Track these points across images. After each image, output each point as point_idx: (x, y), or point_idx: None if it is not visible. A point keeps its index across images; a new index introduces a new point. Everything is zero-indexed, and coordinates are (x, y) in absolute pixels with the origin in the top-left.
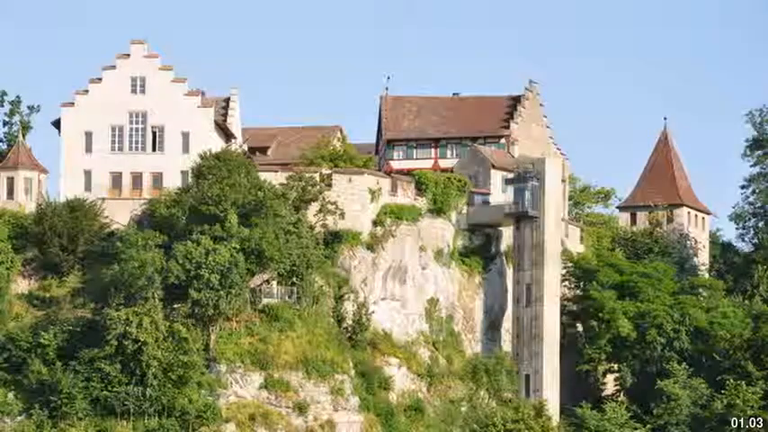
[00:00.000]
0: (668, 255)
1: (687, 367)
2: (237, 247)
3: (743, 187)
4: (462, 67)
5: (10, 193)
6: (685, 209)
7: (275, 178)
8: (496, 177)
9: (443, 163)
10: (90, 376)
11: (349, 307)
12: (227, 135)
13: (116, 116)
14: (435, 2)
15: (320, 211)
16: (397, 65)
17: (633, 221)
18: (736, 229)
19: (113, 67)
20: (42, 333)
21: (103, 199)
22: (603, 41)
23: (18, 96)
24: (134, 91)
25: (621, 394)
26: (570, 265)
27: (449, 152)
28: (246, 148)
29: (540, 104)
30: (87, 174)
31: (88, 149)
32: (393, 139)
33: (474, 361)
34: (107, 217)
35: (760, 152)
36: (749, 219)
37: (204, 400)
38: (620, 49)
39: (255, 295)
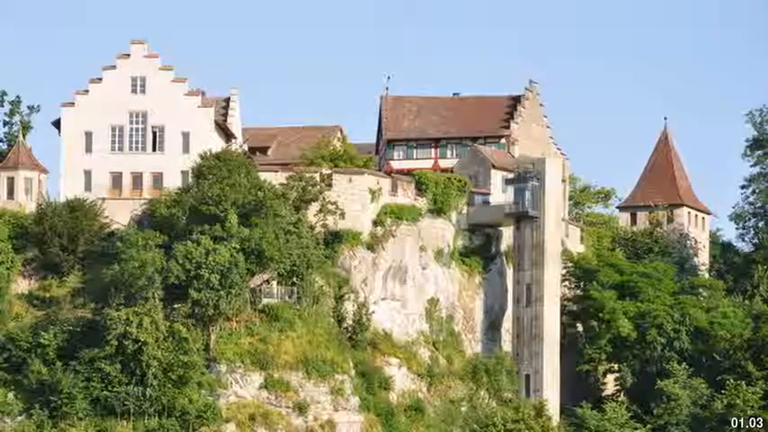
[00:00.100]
0: (668, 255)
1: (687, 367)
2: (237, 247)
3: (743, 187)
4: (462, 67)
5: (10, 193)
6: (685, 209)
7: (275, 178)
8: (497, 177)
9: (443, 163)
10: (90, 376)
11: (349, 307)
12: (227, 135)
13: (116, 116)
14: (435, 2)
15: (320, 211)
16: (397, 65)
17: (633, 221)
18: (737, 229)
19: (113, 67)
20: (42, 333)
21: (104, 199)
22: (603, 41)
23: (18, 96)
24: (134, 91)
25: (622, 394)
26: (570, 265)
27: (449, 152)
28: (247, 148)
29: (541, 104)
30: (87, 174)
31: (88, 149)
32: (393, 139)
33: (474, 361)
34: (107, 217)
35: (760, 152)
36: (749, 219)
37: (204, 400)
38: (620, 49)
39: (255, 295)
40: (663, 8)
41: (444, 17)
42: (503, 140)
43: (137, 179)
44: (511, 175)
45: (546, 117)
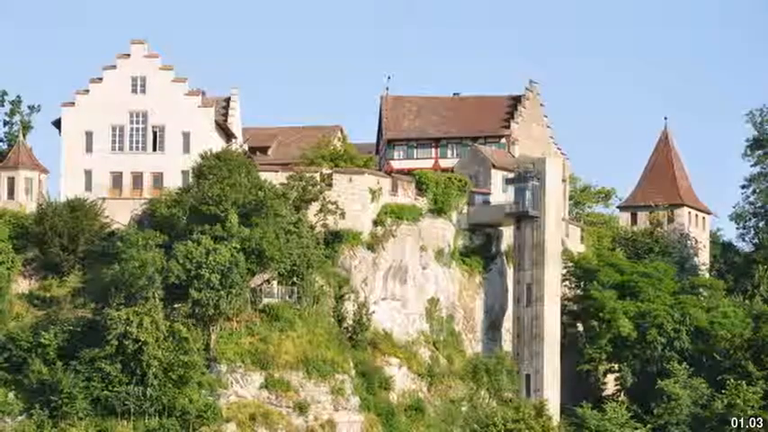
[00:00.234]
0: (669, 254)
1: (687, 367)
2: (238, 246)
3: (743, 187)
4: (462, 67)
5: (11, 193)
6: (686, 209)
7: (276, 178)
8: (497, 177)
9: (444, 163)
10: (90, 376)
11: (349, 307)
12: (227, 135)
13: (116, 116)
14: (435, 2)
15: (321, 210)
16: (397, 65)
17: (634, 221)
18: (737, 228)
19: (114, 66)
20: (43, 333)
21: (104, 199)
22: (603, 41)
23: (18, 96)
24: (134, 91)
25: (622, 394)
26: (571, 264)
27: (449, 152)
28: (247, 148)
29: (541, 104)
30: (88, 173)
31: (89, 149)
32: (393, 139)
33: (474, 361)
34: (107, 217)
35: (760, 152)
36: (749, 218)
37: (205, 399)
38: (620, 49)
39: (256, 295)
40: (663, 8)
41: (444, 17)
42: (503, 140)
43: (137, 179)
44: (511, 175)
45: (546, 117)
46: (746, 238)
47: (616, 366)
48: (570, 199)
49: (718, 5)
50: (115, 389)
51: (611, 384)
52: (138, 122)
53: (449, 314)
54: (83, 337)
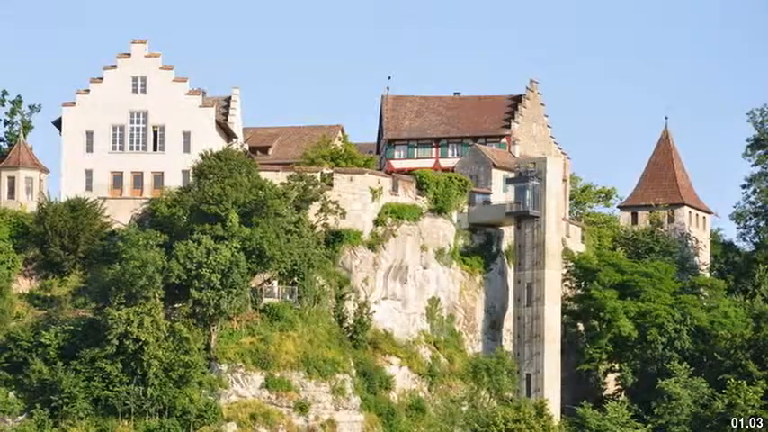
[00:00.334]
0: (669, 254)
1: (688, 367)
2: (238, 246)
3: (744, 187)
4: (462, 67)
5: (11, 193)
6: (686, 208)
7: (276, 178)
8: (497, 177)
9: (444, 162)
10: (91, 376)
11: (350, 306)
12: (228, 134)
13: (117, 116)
14: (435, 2)
15: (321, 210)
16: (397, 65)
17: (634, 221)
18: (737, 228)
19: (114, 66)
20: (43, 332)
21: (104, 198)
22: (603, 41)
23: (19, 96)
24: (135, 90)
25: (622, 394)
26: (571, 264)
27: (450, 152)
28: (247, 148)
29: (541, 104)
30: (88, 173)
31: (89, 149)
32: (394, 139)
33: (475, 360)
34: (108, 216)
35: (761, 152)
36: (750, 218)
37: (205, 399)
38: (620, 49)
39: (256, 295)
40: (663, 8)
41: (444, 17)
42: (504, 140)
43: (137, 179)
44: (512, 175)
45: (547, 117)
46: (747, 238)
47: (616, 366)
48: (571, 199)
49: (718, 5)
50: (116, 388)
51: (611, 384)
52: (138, 122)
53: (449, 314)
54: (83, 337)
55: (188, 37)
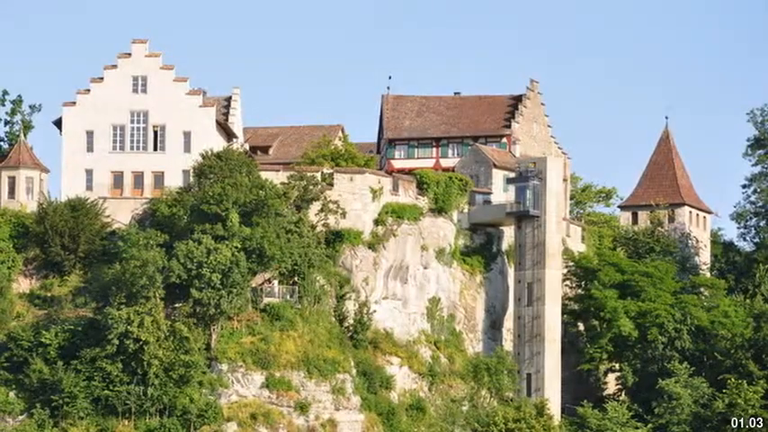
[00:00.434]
0: (669, 254)
1: (688, 366)
2: (239, 246)
3: (744, 186)
4: (462, 66)
5: (11, 193)
6: (687, 208)
7: (277, 177)
8: (498, 177)
9: (445, 162)
10: (91, 375)
11: (350, 306)
12: (228, 134)
13: (117, 115)
14: (435, 2)
15: (321, 210)
16: (397, 65)
17: (634, 221)
18: (738, 228)
19: (115, 66)
20: (44, 332)
21: (105, 198)
22: (603, 41)
23: (19, 95)
24: (135, 90)
25: (623, 393)
26: (571, 264)
27: (450, 151)
28: (248, 148)
29: (542, 104)
30: (89, 173)
31: (89, 149)
32: (394, 139)
33: (475, 360)
34: (108, 216)
35: (761, 151)
36: (750, 218)
37: (205, 399)
38: (620, 49)
39: (257, 294)
40: (663, 8)
41: (444, 17)
42: (504, 140)
43: (138, 178)
44: (512, 175)
45: (547, 116)
46: (747, 238)
47: (617, 366)
48: (571, 198)
49: (718, 5)
50: (116, 388)
51: (611, 384)
52: (138, 122)
53: (450, 313)
54: (84, 337)
55: (188, 37)
